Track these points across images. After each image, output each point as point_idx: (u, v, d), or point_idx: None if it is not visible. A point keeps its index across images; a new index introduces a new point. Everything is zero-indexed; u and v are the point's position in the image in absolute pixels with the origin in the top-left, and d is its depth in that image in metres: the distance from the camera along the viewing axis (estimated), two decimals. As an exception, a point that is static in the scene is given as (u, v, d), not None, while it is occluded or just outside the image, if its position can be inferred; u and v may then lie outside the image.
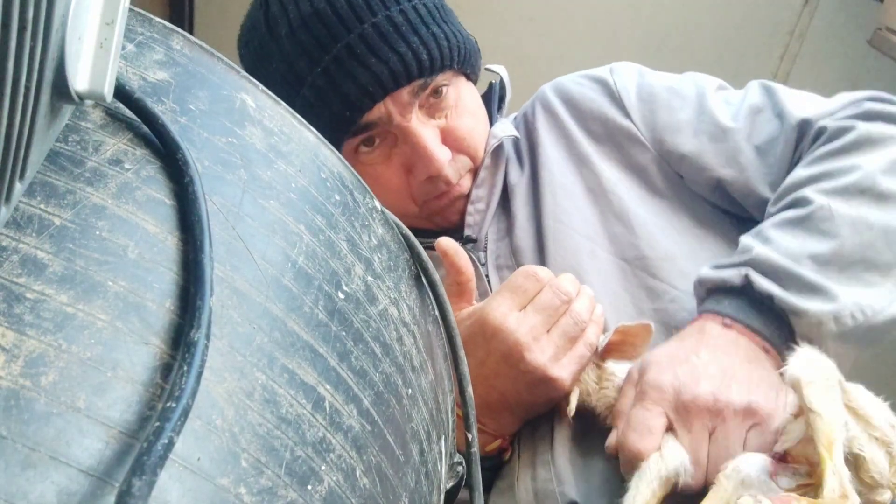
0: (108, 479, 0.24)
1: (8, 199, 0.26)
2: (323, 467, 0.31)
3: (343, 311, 0.35)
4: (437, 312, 0.47)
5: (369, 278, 0.38)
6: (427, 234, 0.81)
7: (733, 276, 0.68)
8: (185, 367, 0.26)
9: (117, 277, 0.28)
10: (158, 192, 0.31)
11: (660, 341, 0.69)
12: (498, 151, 0.85)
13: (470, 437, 0.47)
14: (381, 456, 0.35)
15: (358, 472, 0.33)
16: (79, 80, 0.28)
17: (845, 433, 0.55)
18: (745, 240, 0.71)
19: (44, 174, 0.28)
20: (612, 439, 0.65)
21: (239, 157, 0.35)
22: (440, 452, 0.44)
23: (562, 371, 0.67)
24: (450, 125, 0.81)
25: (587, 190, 0.83)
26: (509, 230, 0.84)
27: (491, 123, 0.87)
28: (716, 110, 0.82)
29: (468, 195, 0.84)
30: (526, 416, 0.71)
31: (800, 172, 0.74)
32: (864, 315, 0.65)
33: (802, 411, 0.57)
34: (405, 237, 0.44)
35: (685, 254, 0.79)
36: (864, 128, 0.73)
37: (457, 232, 0.83)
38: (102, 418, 0.25)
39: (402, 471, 0.37)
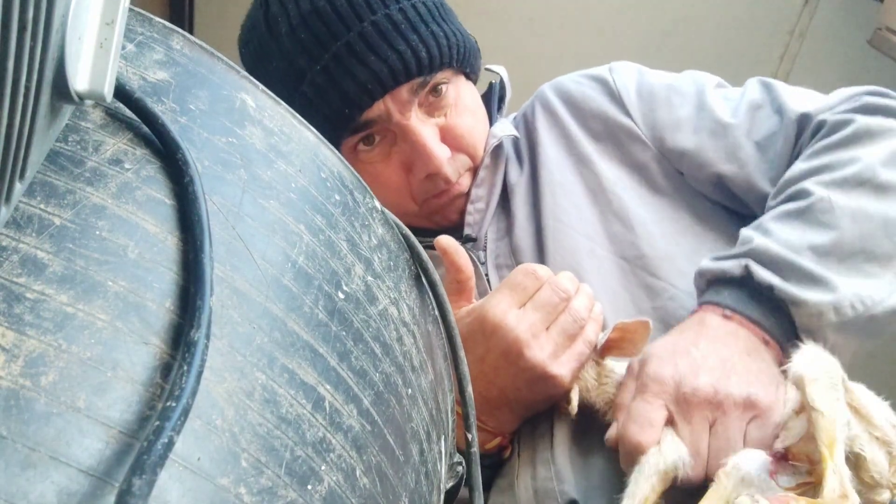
0: (108, 479, 0.24)
1: (8, 199, 0.26)
2: (323, 467, 0.31)
3: (343, 311, 0.35)
4: (436, 312, 0.47)
5: (369, 278, 0.38)
6: (427, 233, 0.81)
7: (733, 266, 0.68)
8: (185, 367, 0.26)
9: (117, 277, 0.28)
10: (158, 192, 0.31)
11: (658, 339, 0.69)
12: (497, 151, 0.85)
13: (470, 436, 0.47)
14: (381, 456, 0.35)
15: (358, 472, 0.33)
16: (79, 80, 0.28)
17: (847, 432, 0.55)
18: (746, 232, 0.71)
19: (44, 174, 0.28)
20: (612, 432, 0.65)
21: (239, 156, 0.35)
22: (440, 452, 0.44)
23: (561, 368, 0.67)
24: (449, 123, 0.81)
25: (587, 189, 0.83)
26: (509, 229, 0.85)
27: (491, 123, 0.87)
28: (715, 107, 0.82)
29: (468, 194, 0.84)
30: (525, 413, 0.71)
31: (799, 166, 0.74)
32: (863, 305, 0.65)
33: (804, 408, 0.57)
34: (405, 237, 0.44)
35: (685, 252, 0.79)
36: (863, 121, 0.74)
37: (456, 231, 0.83)
38: (102, 418, 0.25)
39: (402, 471, 0.37)
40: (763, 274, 0.66)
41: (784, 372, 0.61)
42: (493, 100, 0.90)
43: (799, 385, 0.58)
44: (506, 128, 0.85)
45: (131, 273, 0.28)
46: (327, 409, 0.32)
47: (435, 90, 0.79)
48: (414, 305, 0.43)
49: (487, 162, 0.84)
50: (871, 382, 0.60)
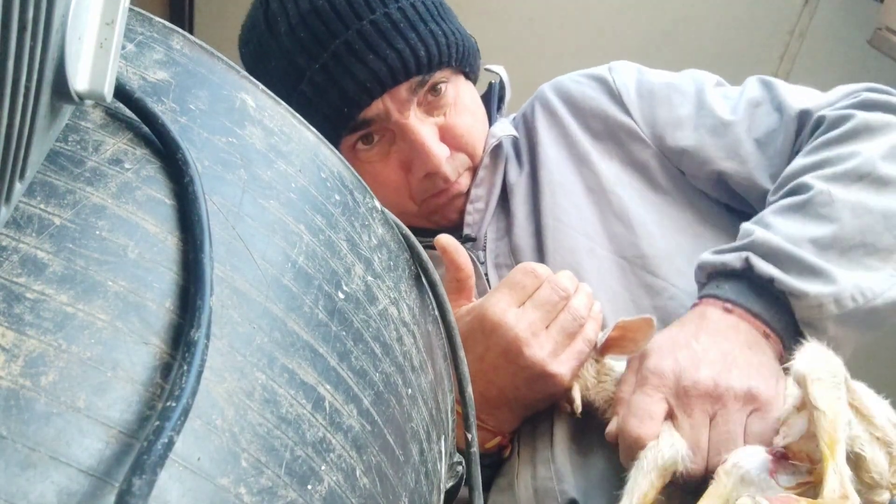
0: (108, 479, 0.24)
1: (8, 199, 0.26)
2: (323, 467, 0.31)
3: (343, 311, 0.35)
4: (436, 312, 0.47)
5: (369, 278, 0.38)
6: (426, 233, 0.81)
7: (734, 259, 0.68)
8: (185, 367, 0.26)
9: (117, 277, 0.28)
10: (158, 192, 0.31)
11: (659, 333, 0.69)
12: (497, 151, 0.85)
13: (470, 436, 0.47)
14: (381, 456, 0.35)
15: (358, 472, 0.33)
16: (79, 80, 0.28)
17: (848, 432, 0.55)
18: (746, 225, 0.71)
19: (44, 174, 0.28)
20: (612, 426, 0.65)
21: (239, 156, 0.35)
22: (440, 452, 0.44)
23: (560, 367, 0.67)
24: (448, 123, 0.81)
25: (586, 189, 0.83)
26: (508, 229, 0.85)
27: (490, 123, 0.87)
28: (715, 105, 0.83)
29: (467, 194, 0.84)
30: (525, 412, 0.71)
31: (799, 161, 0.74)
32: (864, 297, 0.65)
33: (805, 405, 0.57)
34: (405, 237, 0.44)
35: (685, 251, 0.79)
36: (862, 116, 0.74)
37: (456, 231, 0.83)
38: (102, 418, 0.25)
39: (402, 470, 0.37)
40: (763, 266, 0.66)
41: (786, 369, 0.61)
42: (493, 100, 0.90)
43: (801, 383, 0.58)
44: (505, 128, 0.85)
45: (131, 273, 0.28)
46: (327, 409, 0.32)
47: (434, 89, 0.79)
48: (414, 305, 0.43)
49: (487, 162, 0.84)
50: (871, 382, 0.60)
